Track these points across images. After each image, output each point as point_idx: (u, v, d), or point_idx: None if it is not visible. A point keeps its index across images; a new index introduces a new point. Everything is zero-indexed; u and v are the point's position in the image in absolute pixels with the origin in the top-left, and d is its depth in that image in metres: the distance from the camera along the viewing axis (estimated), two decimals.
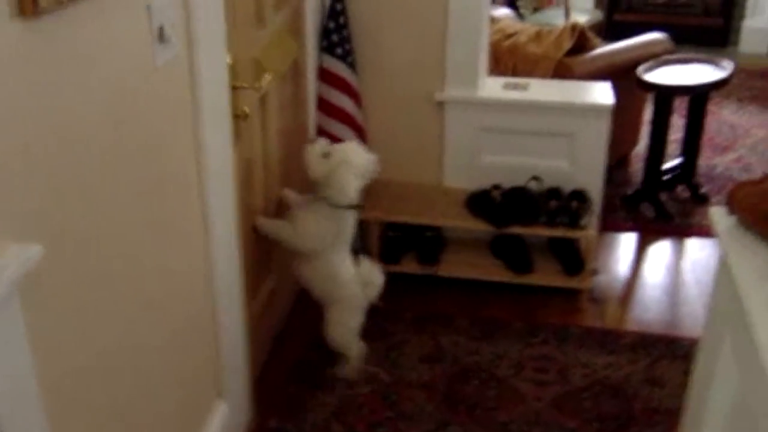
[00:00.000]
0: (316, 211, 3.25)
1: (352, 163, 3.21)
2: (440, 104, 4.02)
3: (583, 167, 4.00)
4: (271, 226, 3.31)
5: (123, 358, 2.14)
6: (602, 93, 4.02)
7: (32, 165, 1.64)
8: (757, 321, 1.65)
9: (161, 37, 2.16)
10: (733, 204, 2.00)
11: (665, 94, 4.68)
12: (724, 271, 2.00)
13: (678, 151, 5.17)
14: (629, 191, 4.98)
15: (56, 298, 1.78)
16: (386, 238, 4.08)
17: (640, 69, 4.69)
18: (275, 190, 3.45)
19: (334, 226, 3.25)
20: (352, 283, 3.36)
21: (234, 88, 2.78)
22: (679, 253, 4.50)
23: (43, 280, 1.68)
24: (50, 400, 1.74)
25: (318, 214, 3.24)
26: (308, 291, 3.43)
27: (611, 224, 4.67)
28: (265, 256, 3.43)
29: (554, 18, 7.20)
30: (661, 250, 4.54)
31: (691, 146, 5.03)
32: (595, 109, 3.92)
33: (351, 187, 3.20)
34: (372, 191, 3.98)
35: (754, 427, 1.72)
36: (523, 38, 4.91)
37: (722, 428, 2.02)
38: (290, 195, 3.48)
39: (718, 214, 2.04)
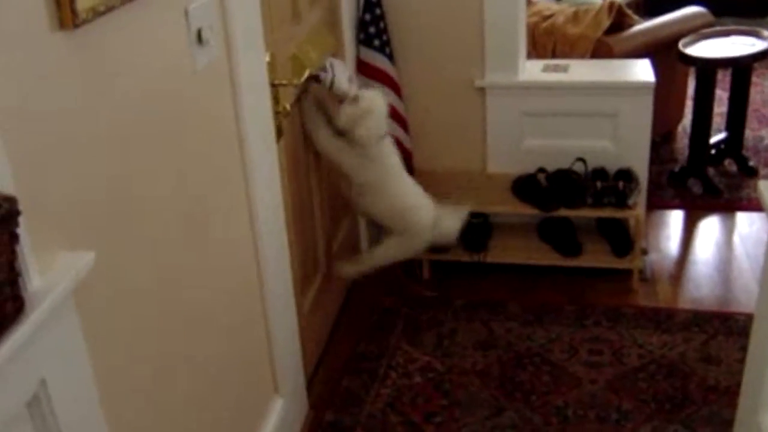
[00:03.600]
0: (348, 146, 3.32)
1: (378, 107, 3.31)
2: (481, 90, 4.01)
3: (627, 146, 3.97)
4: (312, 116, 3.33)
5: (178, 360, 2.16)
6: (643, 70, 3.98)
7: (80, 174, 1.66)
8: None
9: (200, 40, 2.18)
10: None
11: (707, 68, 4.63)
12: None
13: (723, 125, 5.11)
14: (676, 168, 4.93)
15: (111, 303, 1.80)
16: None
17: (680, 43, 4.64)
18: (319, 185, 3.46)
19: (365, 162, 3.33)
20: (422, 210, 3.44)
21: (273, 86, 2.79)
22: (729, 228, 4.45)
23: (97, 287, 1.70)
24: (110, 403, 1.77)
25: (346, 149, 3.32)
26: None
27: (659, 202, 4.63)
28: (314, 251, 3.44)
29: None
30: (710, 225, 4.49)
31: (737, 119, 4.97)
32: (637, 87, 3.89)
33: (366, 130, 3.27)
34: (416, 180, 3.98)
35: None
36: (560, 19, 4.88)
37: None
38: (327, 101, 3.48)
39: (767, 188, 2.02)
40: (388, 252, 3.52)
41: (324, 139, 3.30)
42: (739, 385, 2.42)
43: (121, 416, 1.85)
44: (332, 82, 3.25)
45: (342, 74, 3.33)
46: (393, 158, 3.42)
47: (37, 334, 1.44)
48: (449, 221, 3.49)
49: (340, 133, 3.29)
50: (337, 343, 3.62)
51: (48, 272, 1.53)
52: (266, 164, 2.68)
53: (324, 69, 3.25)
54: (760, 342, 2.17)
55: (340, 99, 3.30)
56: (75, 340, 1.61)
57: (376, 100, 3.32)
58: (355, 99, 3.26)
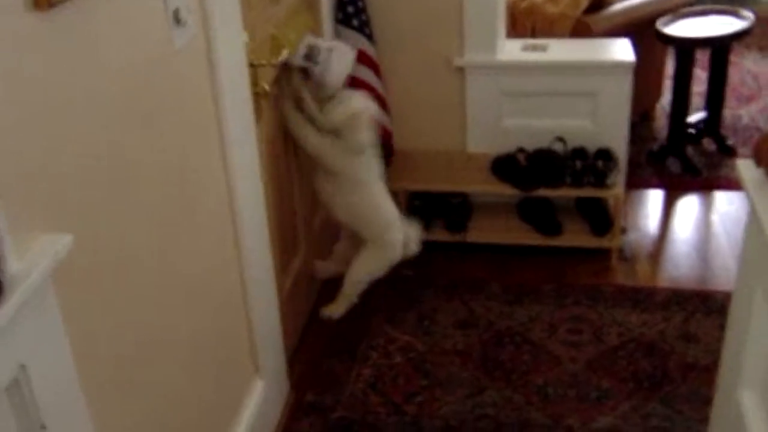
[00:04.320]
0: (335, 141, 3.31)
1: (366, 110, 3.30)
2: (460, 70, 4.00)
3: (606, 126, 3.97)
4: (294, 117, 3.30)
5: (158, 341, 2.15)
6: (622, 50, 3.98)
7: (57, 155, 1.65)
8: None
9: (177, 19, 2.16)
10: (759, 156, 1.98)
11: (686, 47, 4.63)
12: (753, 223, 1.99)
13: (702, 104, 5.12)
14: (654, 147, 4.94)
15: (89, 285, 1.79)
16: (413, 207, 4.07)
17: (659, 23, 4.64)
18: (298, 166, 3.45)
19: (349, 158, 3.32)
20: (396, 227, 3.47)
21: (252, 66, 2.77)
22: (708, 207, 4.47)
23: (76, 269, 1.69)
24: (89, 385, 1.76)
25: (334, 143, 3.30)
26: (351, 232, 3.56)
27: (638, 181, 4.64)
28: (294, 232, 3.44)
29: None
30: (689, 204, 4.51)
31: (715, 98, 4.98)
32: (616, 67, 3.89)
33: (365, 136, 3.28)
34: (396, 161, 3.99)
35: None
36: None
37: (759, 381, 2.01)
38: (307, 94, 3.41)
39: (745, 167, 2.03)
40: (368, 268, 3.50)
41: (315, 141, 3.29)
42: (717, 362, 2.44)
43: (101, 399, 1.84)
44: (322, 76, 3.25)
45: (339, 66, 3.31)
46: (377, 165, 3.45)
47: (15, 319, 1.43)
48: (411, 234, 3.57)
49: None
50: (317, 323, 3.62)
51: (26, 255, 1.51)
52: (245, 145, 2.67)
53: (311, 57, 3.23)
54: (739, 320, 2.18)
55: (326, 95, 3.30)
56: (54, 324, 1.60)
57: (364, 102, 3.33)
58: (342, 102, 3.26)
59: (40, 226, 1.59)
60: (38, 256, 1.53)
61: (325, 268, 3.75)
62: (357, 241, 3.52)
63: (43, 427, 1.56)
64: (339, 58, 3.32)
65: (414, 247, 3.57)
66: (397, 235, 3.47)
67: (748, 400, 2.08)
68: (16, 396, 1.50)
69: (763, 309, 1.96)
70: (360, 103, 3.31)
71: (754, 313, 2.02)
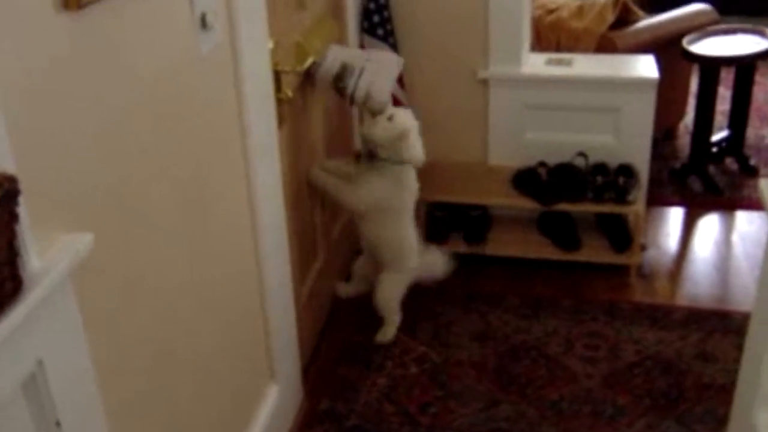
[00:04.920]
0: (381, 173, 3.31)
1: (415, 126, 3.30)
2: (484, 82, 4.00)
3: (629, 142, 3.96)
4: (325, 180, 3.36)
5: (176, 344, 2.16)
6: (647, 66, 3.98)
7: (81, 155, 1.66)
8: None
9: (204, 25, 2.17)
10: None
11: (711, 66, 4.62)
12: None
13: (725, 123, 5.10)
14: (677, 165, 4.93)
15: (109, 285, 1.80)
16: (432, 218, 4.07)
17: (685, 41, 4.63)
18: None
19: (398, 187, 3.34)
20: (414, 253, 3.48)
21: (276, 72, 2.79)
22: (728, 227, 4.44)
23: (96, 269, 1.70)
24: (107, 386, 1.77)
25: (382, 176, 3.31)
26: (370, 252, 3.56)
27: (659, 199, 4.62)
28: (312, 239, 3.44)
29: None
30: (710, 224, 4.49)
31: (739, 117, 4.96)
32: (640, 83, 3.88)
33: (419, 146, 3.31)
34: (417, 171, 3.98)
35: None
36: (565, 13, 4.87)
37: None
38: (330, 163, 3.49)
39: (767, 186, 2.02)
40: (391, 292, 3.52)
41: (358, 197, 3.34)
42: (734, 383, 2.42)
43: (117, 398, 1.85)
44: (361, 95, 3.21)
45: (384, 80, 3.28)
46: (415, 184, 3.44)
47: (34, 315, 1.44)
48: (437, 262, 3.62)
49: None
50: (333, 331, 3.63)
51: (47, 253, 1.52)
52: (267, 151, 2.68)
53: (342, 77, 3.21)
54: (756, 341, 2.17)
55: (373, 111, 3.26)
56: (72, 322, 1.61)
57: (410, 119, 3.31)
58: (390, 118, 3.24)
59: (61, 225, 1.60)
60: (58, 254, 1.54)
61: (345, 289, 3.77)
62: (375, 261, 3.54)
63: (58, 424, 1.57)
64: (379, 69, 3.28)
65: (440, 273, 3.62)
66: (414, 263, 3.51)
67: (764, 421, 2.07)
68: (32, 392, 1.50)
69: None
70: (408, 119, 3.29)
71: None
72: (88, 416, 1.70)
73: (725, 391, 3.09)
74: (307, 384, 3.28)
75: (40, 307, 1.46)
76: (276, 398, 2.92)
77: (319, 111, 3.39)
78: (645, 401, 3.16)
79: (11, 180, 1.35)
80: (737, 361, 2.45)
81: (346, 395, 3.25)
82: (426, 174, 3.59)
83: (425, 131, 3.75)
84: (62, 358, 1.58)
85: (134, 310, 1.92)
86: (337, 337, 3.59)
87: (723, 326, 3.56)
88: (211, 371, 2.41)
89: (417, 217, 3.89)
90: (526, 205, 3.92)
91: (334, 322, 3.67)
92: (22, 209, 1.40)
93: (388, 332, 3.55)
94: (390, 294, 3.51)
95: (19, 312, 1.39)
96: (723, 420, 2.63)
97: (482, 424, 3.09)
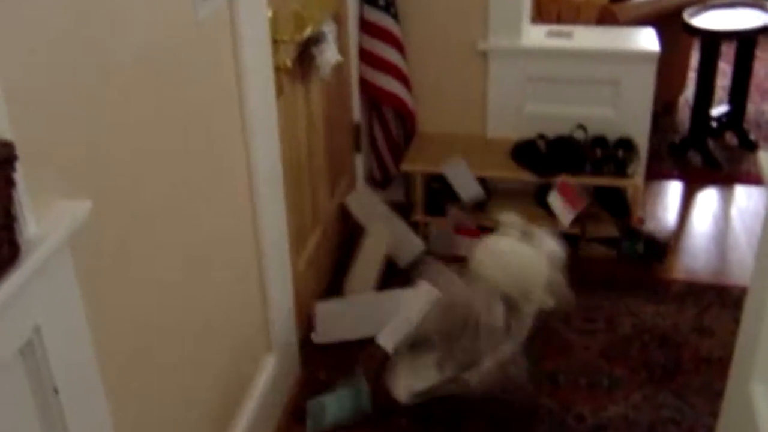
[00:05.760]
0: None
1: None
2: (483, 53, 3.98)
3: (628, 115, 3.95)
4: None
5: (173, 313, 2.16)
6: (647, 39, 3.96)
7: (79, 122, 1.65)
8: None
9: None
10: None
11: (712, 39, 4.60)
12: None
13: (726, 98, 5.09)
14: (676, 139, 4.92)
15: (106, 253, 1.80)
16: (430, 189, 4.06)
17: (686, 13, 4.60)
18: (318, 145, 3.45)
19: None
20: None
21: (275, 42, 2.77)
22: (727, 201, 4.44)
23: (93, 236, 1.70)
24: (104, 354, 1.77)
25: None
26: None
27: (658, 172, 4.61)
28: (310, 211, 3.44)
29: None
30: (708, 198, 4.49)
31: (739, 92, 4.95)
32: (641, 56, 3.87)
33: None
34: (415, 143, 3.98)
35: None
36: None
37: None
38: None
39: (766, 159, 2.01)
40: None
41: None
42: (730, 356, 2.43)
43: (115, 365, 1.85)
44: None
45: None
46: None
47: (32, 281, 1.44)
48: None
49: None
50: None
51: (44, 220, 1.52)
52: (266, 121, 2.67)
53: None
54: (753, 314, 2.17)
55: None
56: (70, 288, 1.61)
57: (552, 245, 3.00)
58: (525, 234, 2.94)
59: (59, 192, 1.60)
60: (56, 221, 1.54)
61: None
62: None
63: (56, 390, 1.57)
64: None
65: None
66: None
67: (759, 393, 2.07)
68: (29, 358, 1.50)
69: None
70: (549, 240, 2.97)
71: None
72: (86, 382, 1.71)
73: (722, 365, 3.09)
74: (304, 355, 3.28)
75: (38, 273, 1.46)
76: (273, 369, 2.93)
77: (317, 82, 3.37)
78: (642, 374, 3.17)
79: (8, 146, 1.35)
80: (734, 334, 2.45)
81: (343, 367, 3.25)
82: (425, 145, 3.58)
83: (424, 102, 3.75)
84: (60, 324, 1.57)
85: (131, 278, 1.92)
86: None
87: (720, 300, 3.56)
88: (208, 340, 2.42)
89: (415, 188, 3.90)
90: (525, 177, 3.91)
91: (330, 293, 3.67)
92: (20, 175, 1.39)
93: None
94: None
95: (16, 278, 1.39)
96: (719, 393, 2.63)
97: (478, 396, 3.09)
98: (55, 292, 1.56)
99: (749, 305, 2.24)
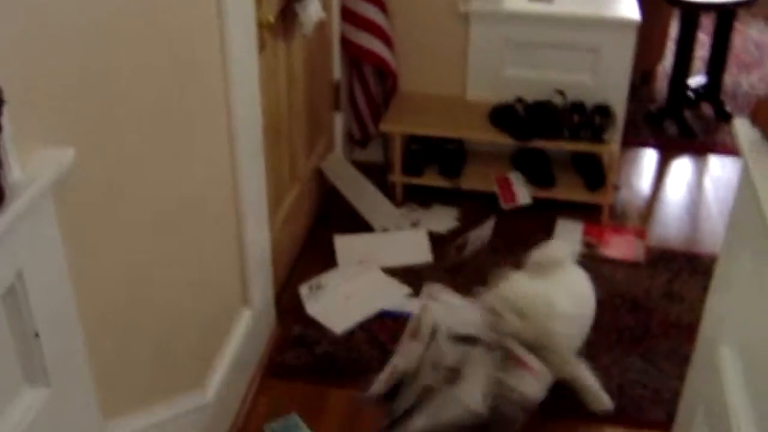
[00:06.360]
0: None
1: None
2: (465, 16, 3.99)
3: (607, 82, 3.98)
4: None
5: (152, 263, 2.18)
6: (628, 7, 3.97)
7: (64, 69, 1.66)
8: None
9: None
10: (756, 116, 2.00)
11: (691, 10, 4.63)
12: (745, 183, 2.01)
13: (703, 69, 5.12)
14: (653, 107, 4.95)
15: (88, 200, 1.81)
16: (409, 150, 4.08)
17: None
18: (297, 103, 3.45)
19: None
20: None
21: None
22: (701, 171, 4.49)
23: (76, 183, 1.71)
24: (84, 302, 1.78)
25: None
26: None
27: (634, 140, 4.64)
28: (288, 167, 3.44)
29: None
30: (683, 167, 4.53)
31: (717, 64, 4.98)
32: (621, 24, 3.88)
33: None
34: (395, 103, 3.98)
35: None
36: None
37: (738, 342, 2.04)
38: None
39: (741, 126, 2.04)
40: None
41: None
42: (699, 321, 2.47)
43: (94, 312, 1.87)
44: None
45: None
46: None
47: (15, 226, 1.45)
48: None
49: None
50: (307, 259, 3.65)
51: (28, 166, 1.53)
52: (247, 74, 2.67)
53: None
54: (722, 282, 2.21)
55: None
56: (52, 234, 1.63)
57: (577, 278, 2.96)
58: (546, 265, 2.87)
59: (44, 139, 1.61)
60: (40, 167, 1.55)
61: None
62: None
63: (37, 335, 1.59)
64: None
65: None
66: None
67: (726, 357, 2.11)
68: (11, 303, 1.52)
69: (748, 271, 1.99)
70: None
71: (739, 275, 2.05)
72: (66, 328, 1.72)
73: (690, 329, 3.14)
74: (280, 310, 3.31)
75: (21, 218, 1.47)
76: (249, 323, 2.95)
77: (299, 39, 3.37)
78: (611, 337, 3.22)
79: None
80: (703, 300, 2.49)
81: (317, 323, 3.28)
82: (405, 105, 3.58)
83: (405, 62, 3.74)
84: (41, 270, 1.59)
85: (112, 226, 1.94)
86: (310, 267, 3.60)
87: (691, 267, 3.61)
88: (187, 292, 2.43)
89: (393, 149, 3.91)
90: (502, 140, 3.93)
91: (309, 248, 3.69)
92: (5, 120, 1.40)
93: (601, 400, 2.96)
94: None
95: (1, 223, 1.40)
96: (687, 358, 2.67)
97: None
98: (37, 237, 1.57)
99: (718, 272, 2.28)
